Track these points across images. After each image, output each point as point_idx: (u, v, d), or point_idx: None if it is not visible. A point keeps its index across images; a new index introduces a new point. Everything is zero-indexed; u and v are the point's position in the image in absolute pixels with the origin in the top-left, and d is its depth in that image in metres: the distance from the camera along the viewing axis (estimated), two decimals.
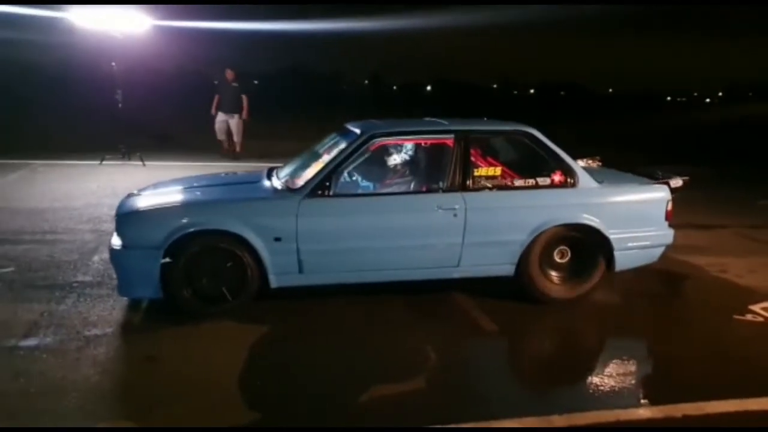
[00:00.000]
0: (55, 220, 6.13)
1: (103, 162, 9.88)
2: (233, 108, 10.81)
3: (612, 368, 3.35)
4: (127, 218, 3.91)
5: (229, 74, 10.80)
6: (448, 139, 4.16)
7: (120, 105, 10.42)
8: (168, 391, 2.93)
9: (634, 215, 4.29)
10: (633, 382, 3.23)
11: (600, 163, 5.20)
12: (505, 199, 4.10)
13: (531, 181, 4.17)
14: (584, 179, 4.21)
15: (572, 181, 4.19)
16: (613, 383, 3.16)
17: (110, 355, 3.33)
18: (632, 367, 3.41)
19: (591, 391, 3.11)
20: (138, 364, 3.24)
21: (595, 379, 3.23)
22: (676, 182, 4.39)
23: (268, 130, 14.01)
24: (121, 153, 10.24)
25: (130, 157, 10.21)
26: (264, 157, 9.79)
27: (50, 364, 3.18)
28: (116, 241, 3.82)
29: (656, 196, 4.31)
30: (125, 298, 4.00)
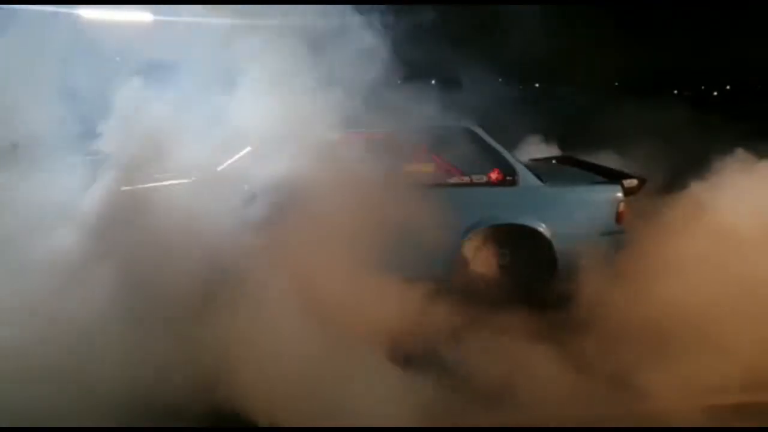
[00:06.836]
0: None
1: None
2: None
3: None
4: None
5: None
6: (379, 135, 4.01)
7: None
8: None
9: (581, 216, 4.03)
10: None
11: (564, 161, 5.06)
12: (436, 197, 3.79)
13: (466, 179, 4.02)
14: (526, 177, 4.03)
15: (512, 179, 4.01)
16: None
17: None
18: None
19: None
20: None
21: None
22: (631, 182, 4.10)
23: None
24: None
25: None
26: None
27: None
28: None
29: (606, 196, 4.06)
30: None
